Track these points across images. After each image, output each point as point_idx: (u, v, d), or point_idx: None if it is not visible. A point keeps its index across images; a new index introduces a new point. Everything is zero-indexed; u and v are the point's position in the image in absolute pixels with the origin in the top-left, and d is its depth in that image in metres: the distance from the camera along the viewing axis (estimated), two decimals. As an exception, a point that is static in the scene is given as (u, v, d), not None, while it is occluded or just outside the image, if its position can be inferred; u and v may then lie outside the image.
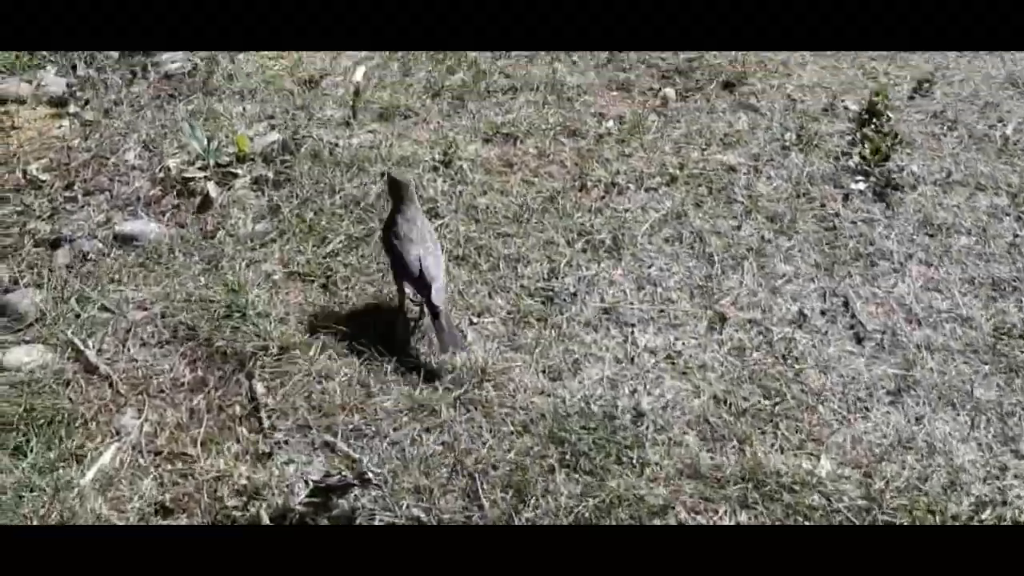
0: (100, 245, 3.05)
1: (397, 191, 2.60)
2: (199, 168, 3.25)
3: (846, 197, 3.09)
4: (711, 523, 2.06)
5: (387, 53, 3.92)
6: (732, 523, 2.06)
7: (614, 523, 2.04)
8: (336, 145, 3.33)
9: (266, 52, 4.11)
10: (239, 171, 3.25)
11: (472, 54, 3.86)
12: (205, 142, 3.30)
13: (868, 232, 2.94)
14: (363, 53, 3.89)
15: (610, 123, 3.46)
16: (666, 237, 2.92)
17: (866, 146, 3.22)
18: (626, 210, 3.04)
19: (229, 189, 3.20)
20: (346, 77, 3.79)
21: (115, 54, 4.39)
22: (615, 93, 3.70)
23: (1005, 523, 2.04)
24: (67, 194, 3.34)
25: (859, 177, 3.15)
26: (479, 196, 3.08)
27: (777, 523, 2.07)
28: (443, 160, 3.23)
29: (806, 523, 2.07)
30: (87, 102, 3.96)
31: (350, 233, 2.94)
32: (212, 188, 3.16)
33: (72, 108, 3.91)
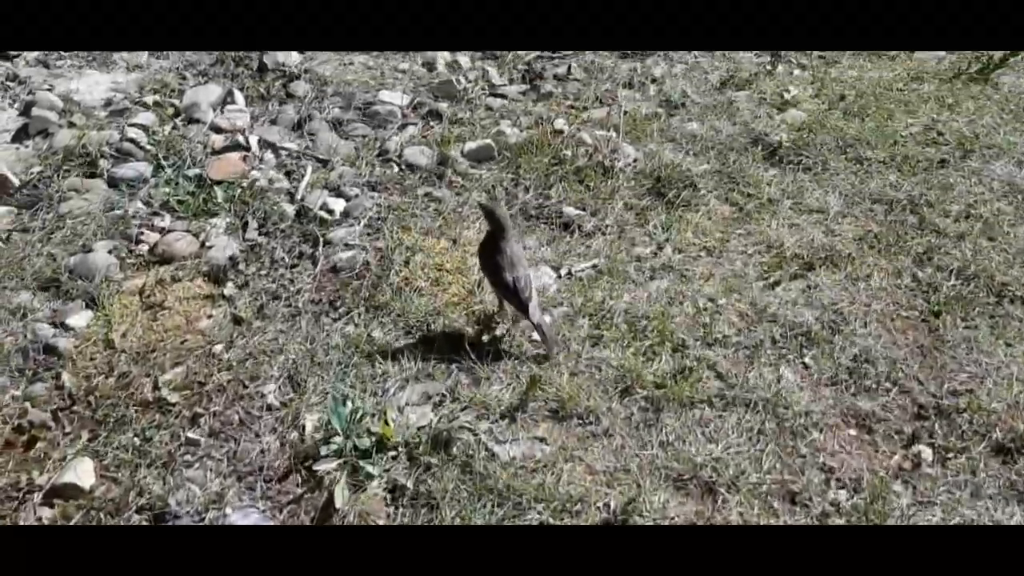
0: (204, 535, 2.61)
1: (494, 221, 3.07)
2: (334, 451, 2.76)
3: None
4: None
5: (578, 302, 3.29)
6: None
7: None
8: (493, 455, 2.75)
9: (443, 257, 3.61)
10: (375, 470, 2.72)
11: (679, 334, 3.17)
12: (347, 418, 2.81)
13: None
14: (546, 297, 3.28)
15: (841, 493, 2.69)
16: None
17: None
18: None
19: (361, 491, 2.69)
20: (521, 331, 3.20)
21: (291, 214, 4.03)
22: (853, 432, 2.90)
23: None
24: (190, 434, 2.95)
25: None
26: (655, 594, 2.40)
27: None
28: (620, 516, 2.58)
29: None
30: (246, 283, 3.60)
31: (485, 621, 2.34)
32: (339, 495, 2.65)
33: (228, 289, 3.56)
